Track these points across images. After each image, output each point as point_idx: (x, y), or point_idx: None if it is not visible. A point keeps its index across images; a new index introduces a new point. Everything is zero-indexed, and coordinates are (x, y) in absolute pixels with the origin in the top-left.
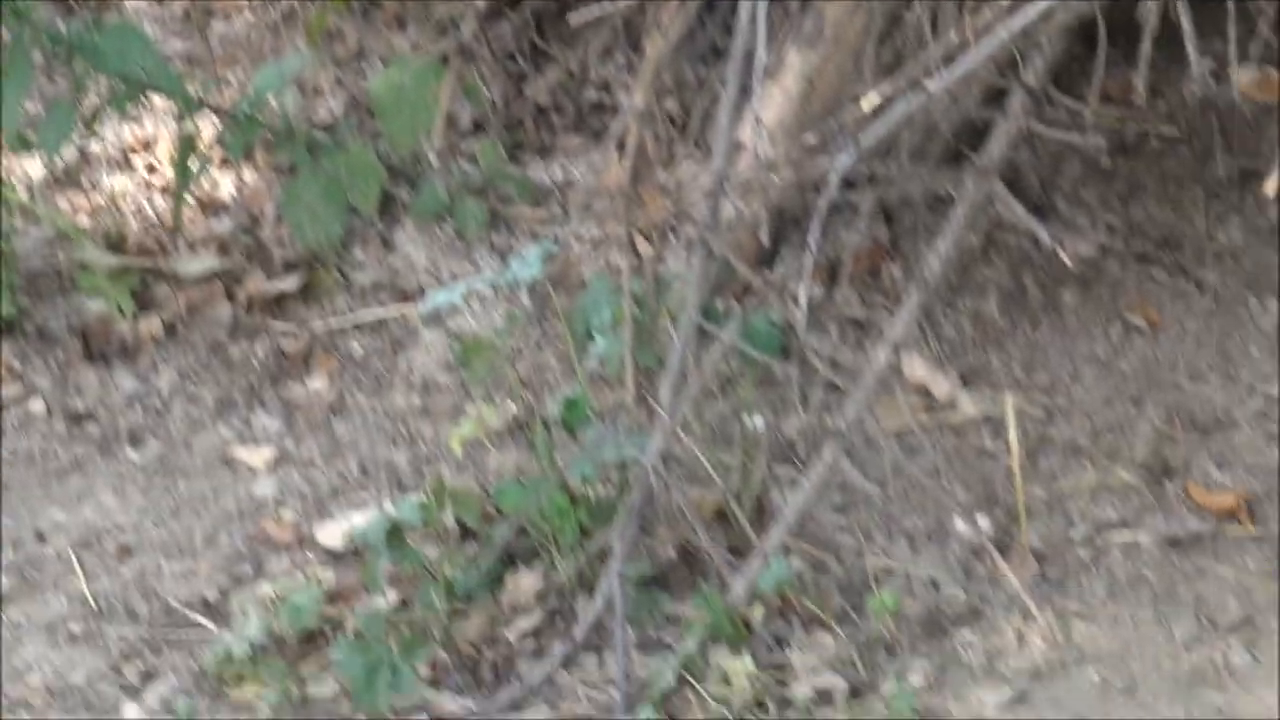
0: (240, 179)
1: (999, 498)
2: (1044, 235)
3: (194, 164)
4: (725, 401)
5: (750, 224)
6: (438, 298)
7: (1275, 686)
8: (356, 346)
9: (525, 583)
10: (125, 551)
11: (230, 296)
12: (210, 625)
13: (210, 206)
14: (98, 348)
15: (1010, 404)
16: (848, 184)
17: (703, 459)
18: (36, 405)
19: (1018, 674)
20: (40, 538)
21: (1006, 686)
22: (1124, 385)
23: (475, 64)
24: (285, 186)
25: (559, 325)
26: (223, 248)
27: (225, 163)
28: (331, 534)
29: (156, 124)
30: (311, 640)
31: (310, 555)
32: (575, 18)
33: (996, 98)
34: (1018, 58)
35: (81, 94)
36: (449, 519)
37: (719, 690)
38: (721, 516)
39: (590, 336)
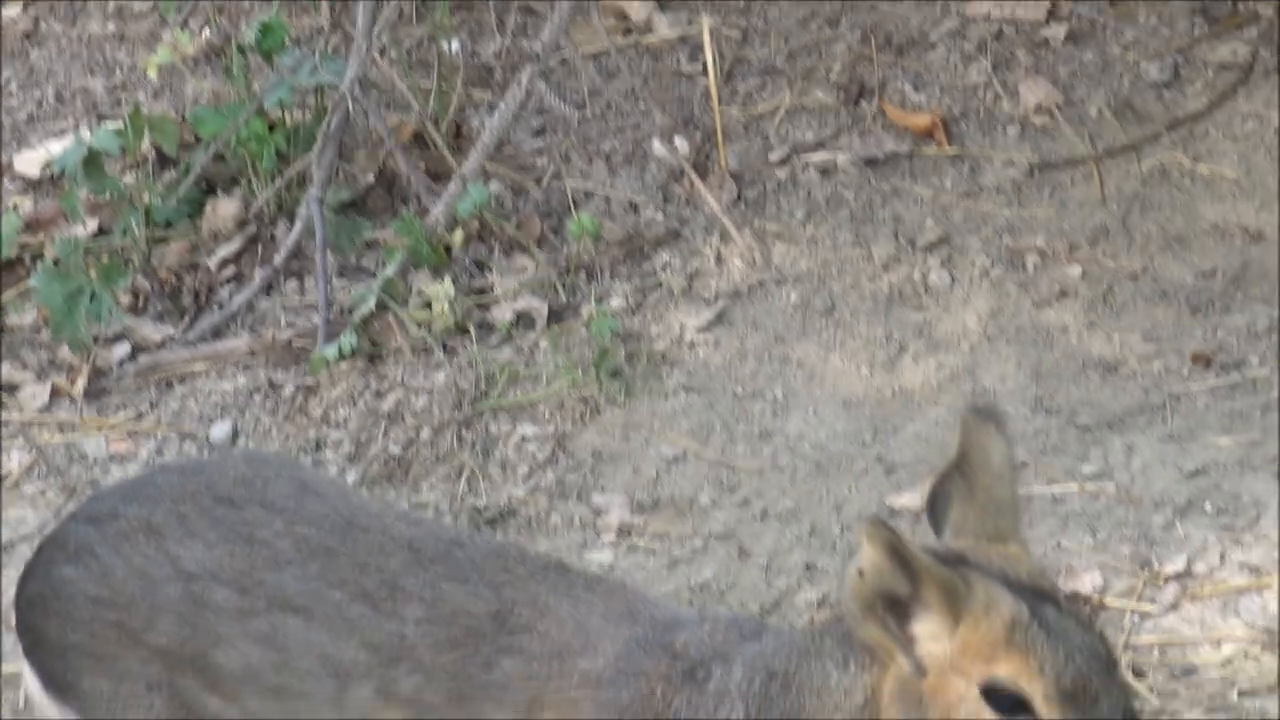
0: None
1: (697, 120)
2: None
3: None
4: (421, 26)
5: None
6: None
7: (972, 305)
8: None
9: (225, 209)
10: None
11: None
12: None
13: None
14: None
15: (706, 26)
16: None
17: (400, 84)
18: None
19: (717, 295)
20: None
21: (706, 308)
22: (819, 7)
23: None
24: None
25: None
26: None
27: None
28: (29, 162)
29: None
30: (11, 269)
31: (8, 184)
32: None
33: None
34: None
35: None
36: (146, 146)
37: (420, 315)
38: (420, 141)
39: None
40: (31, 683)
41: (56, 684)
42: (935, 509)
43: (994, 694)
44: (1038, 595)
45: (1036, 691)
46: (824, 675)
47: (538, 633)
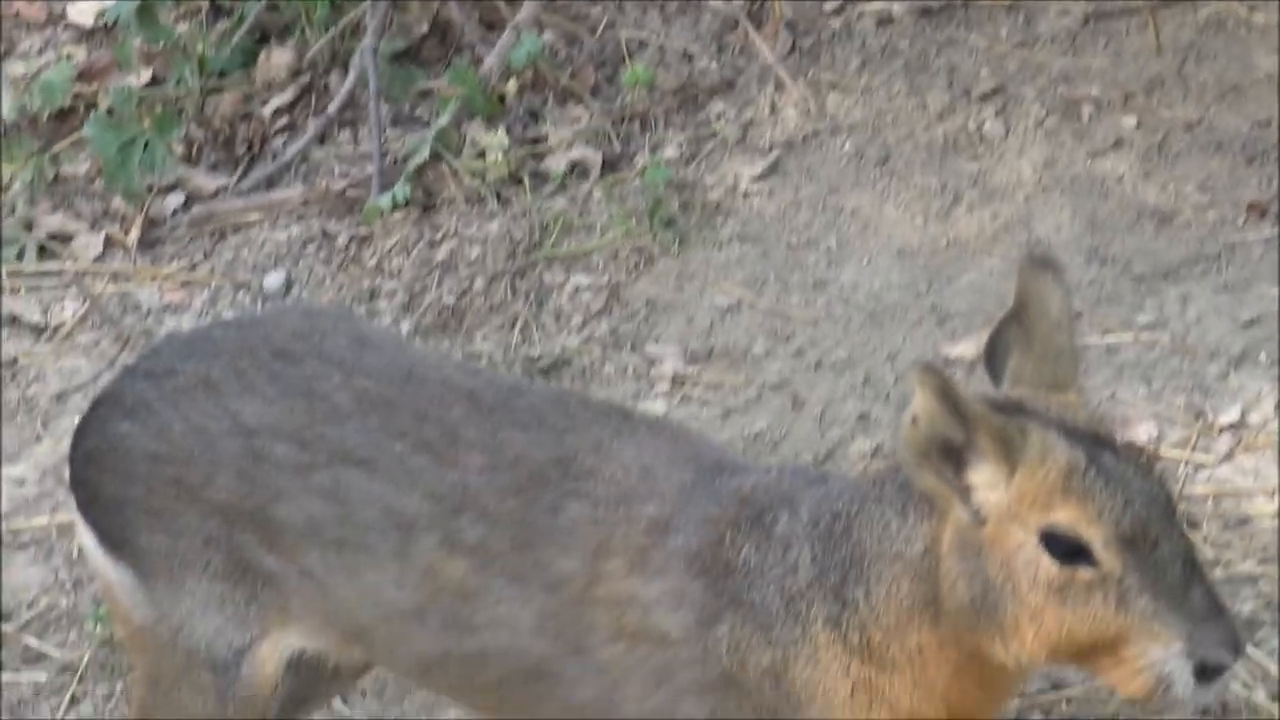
0: None
1: None
2: None
3: None
4: None
5: None
6: None
7: (1027, 155)
8: None
9: (278, 59)
10: None
11: None
12: None
13: None
14: None
15: None
16: None
17: None
18: None
19: (772, 145)
20: None
21: (760, 158)
22: None
23: None
24: None
25: None
26: None
27: None
28: (83, 11)
29: None
30: (64, 119)
31: (62, 33)
32: None
33: None
34: None
35: None
36: None
37: (474, 164)
38: None
39: None
40: (86, 538)
41: (112, 540)
42: (993, 358)
43: (1053, 541)
44: (1095, 442)
45: (1095, 537)
46: (884, 522)
47: (602, 478)
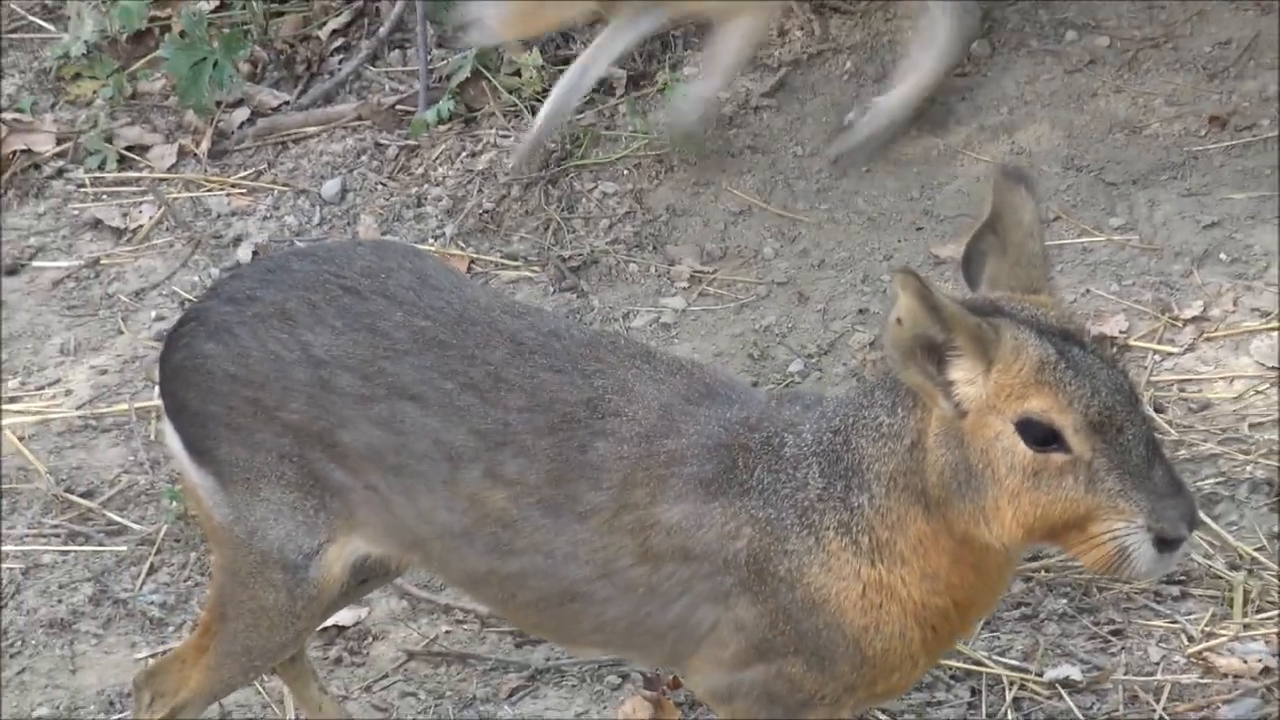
0: None
1: None
2: None
3: None
4: None
5: None
6: None
7: (1010, 72)
8: None
9: None
10: None
11: None
12: (50, 27)
13: None
14: None
15: None
16: None
17: None
18: None
19: (779, 64)
20: None
21: (769, 75)
22: None
23: None
24: None
25: None
26: None
27: None
28: None
29: None
30: (141, 41)
31: None
32: None
33: None
34: None
35: None
36: None
37: (511, 81)
38: None
39: None
40: (173, 442)
41: (196, 449)
42: (970, 264)
43: (1027, 428)
44: (1065, 338)
45: (1066, 424)
46: (876, 423)
47: (626, 417)
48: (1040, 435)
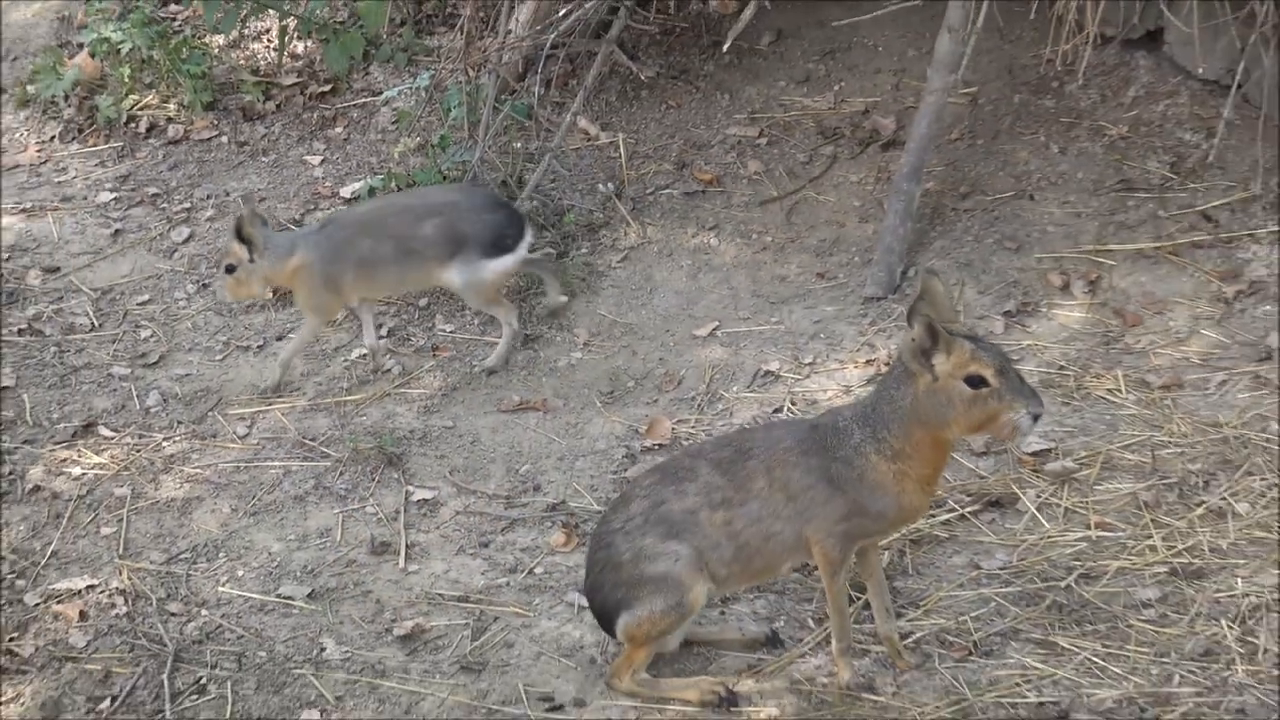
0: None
1: (618, 175)
2: (634, 68)
3: (287, 39)
4: None
5: (511, 63)
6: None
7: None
8: None
9: None
10: None
11: (302, 92)
12: None
13: (291, 55)
14: (250, 115)
15: (620, 136)
16: (554, 46)
17: None
18: (223, 138)
19: (624, 248)
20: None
21: (618, 254)
22: (671, 133)
23: None
24: (324, 47)
25: None
26: (298, 71)
27: (298, 37)
28: None
29: (270, 19)
30: None
31: None
32: None
33: (614, 10)
34: None
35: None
36: None
37: None
38: None
39: None
40: None
41: None
42: (911, 315)
43: (969, 380)
44: (974, 339)
45: (988, 373)
46: (890, 395)
47: (757, 448)
48: (975, 382)
